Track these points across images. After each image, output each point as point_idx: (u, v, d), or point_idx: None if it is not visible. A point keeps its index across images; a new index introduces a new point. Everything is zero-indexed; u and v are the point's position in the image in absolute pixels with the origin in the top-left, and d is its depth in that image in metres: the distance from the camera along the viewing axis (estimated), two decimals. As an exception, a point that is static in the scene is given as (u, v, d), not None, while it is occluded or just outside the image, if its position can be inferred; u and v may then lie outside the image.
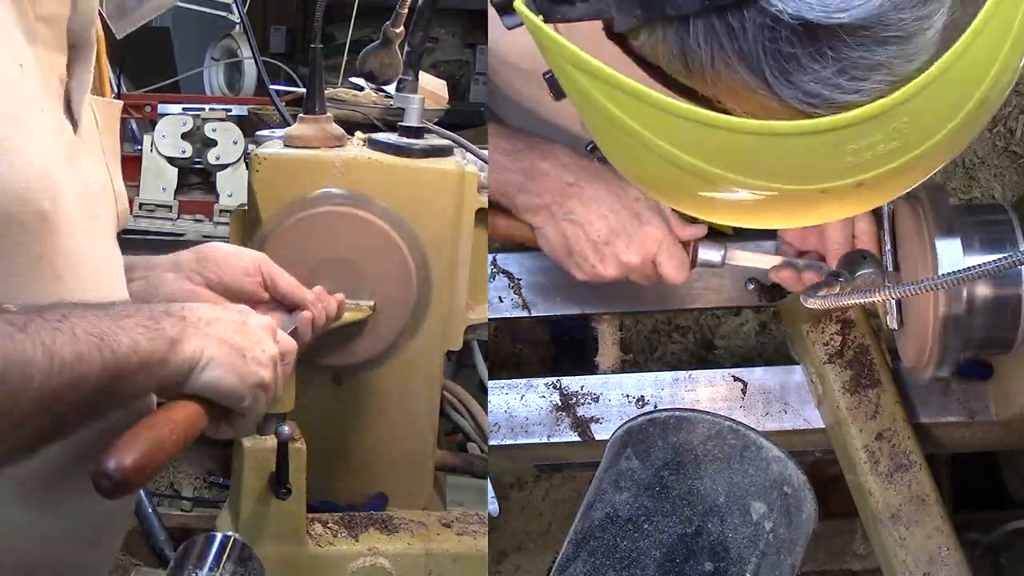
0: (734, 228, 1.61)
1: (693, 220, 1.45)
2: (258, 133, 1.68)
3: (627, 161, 0.95)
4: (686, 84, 0.88)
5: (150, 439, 0.94)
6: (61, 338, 0.89)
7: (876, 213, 1.43)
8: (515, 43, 1.32)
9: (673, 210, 1.47)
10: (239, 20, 3.79)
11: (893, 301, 1.41)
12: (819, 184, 0.87)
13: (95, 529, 1.13)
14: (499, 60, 1.45)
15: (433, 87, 1.88)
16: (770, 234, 1.55)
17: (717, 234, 1.51)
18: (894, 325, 1.42)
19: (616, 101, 0.87)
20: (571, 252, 1.44)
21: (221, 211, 3.24)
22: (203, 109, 3.40)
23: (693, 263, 1.47)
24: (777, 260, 1.47)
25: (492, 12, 0.95)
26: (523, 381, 1.62)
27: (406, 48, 1.53)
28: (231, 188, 3.25)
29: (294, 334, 1.23)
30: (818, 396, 1.54)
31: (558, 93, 0.99)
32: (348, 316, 1.46)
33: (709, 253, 1.47)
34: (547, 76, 1.05)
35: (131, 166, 3.37)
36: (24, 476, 0.96)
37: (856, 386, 1.50)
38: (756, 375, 1.60)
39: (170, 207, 3.32)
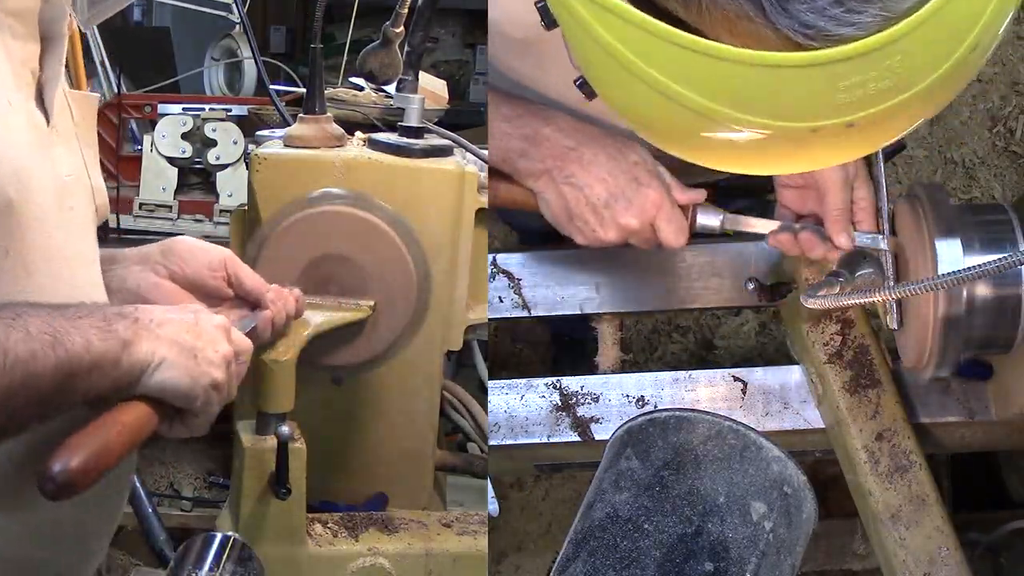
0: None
1: (692, 186, 1.45)
2: (258, 133, 1.68)
3: (617, 93, 0.94)
4: (679, 16, 0.87)
5: (97, 442, 0.95)
6: (15, 335, 0.90)
7: (876, 213, 1.43)
8: (510, 14, 1.33)
9: (672, 175, 1.47)
10: (239, 20, 3.80)
11: (893, 301, 1.41)
12: (810, 122, 0.87)
13: (59, 527, 1.13)
14: (497, 34, 1.45)
15: (433, 87, 1.88)
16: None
17: (715, 202, 1.51)
18: (894, 325, 1.42)
19: (610, 27, 0.86)
20: (572, 216, 1.44)
21: (221, 211, 3.25)
22: (203, 109, 3.40)
23: (692, 228, 1.46)
24: (775, 224, 1.46)
25: None
26: (523, 381, 1.62)
27: (406, 48, 1.53)
28: (231, 188, 3.25)
29: (252, 332, 1.23)
30: (818, 396, 1.54)
31: (549, 22, 0.98)
32: (348, 316, 1.46)
33: (708, 218, 1.47)
34: (539, 4, 1.05)
35: (131, 166, 3.37)
36: None
37: (856, 386, 1.50)
38: (756, 375, 1.60)
39: (170, 207, 3.32)
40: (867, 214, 1.42)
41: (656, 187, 1.43)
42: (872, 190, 1.43)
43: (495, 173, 1.48)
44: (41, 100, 1.06)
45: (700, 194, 1.46)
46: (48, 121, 1.06)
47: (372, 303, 1.49)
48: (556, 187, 1.43)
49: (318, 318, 1.43)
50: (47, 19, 1.05)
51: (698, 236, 1.50)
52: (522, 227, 2.12)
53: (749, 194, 2.41)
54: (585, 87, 1.01)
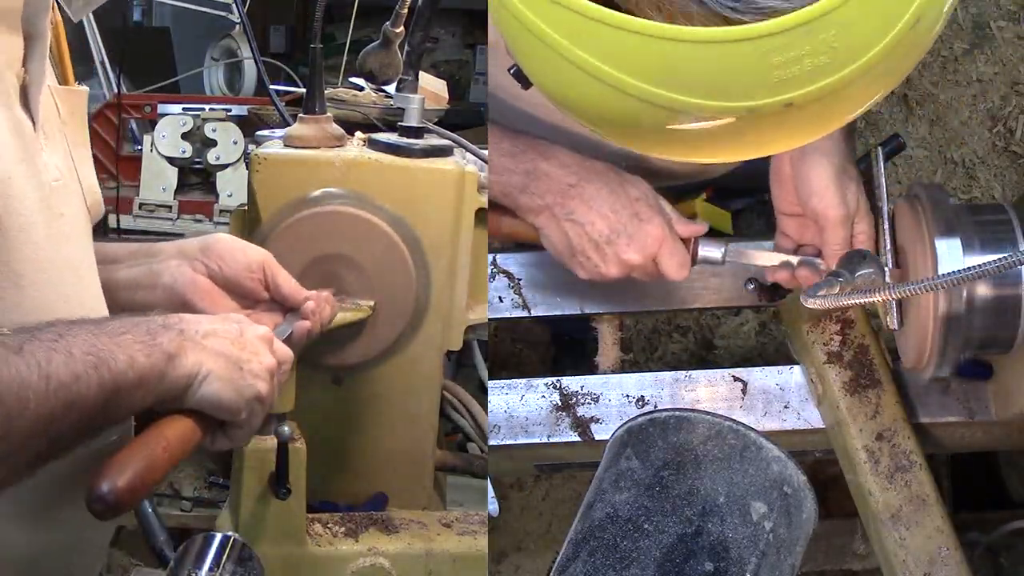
0: (732, 229, 1.62)
1: (693, 217, 1.46)
2: (258, 133, 1.68)
3: (550, 79, 0.93)
4: None
5: (143, 459, 0.93)
6: (57, 358, 0.88)
7: (876, 213, 1.43)
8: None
9: (674, 207, 1.47)
10: (239, 20, 3.80)
11: (893, 301, 1.41)
12: (746, 102, 0.84)
13: (86, 540, 1.13)
14: (497, 61, 1.45)
15: (433, 87, 1.88)
16: (770, 233, 1.55)
17: (717, 234, 1.51)
18: (894, 325, 1.42)
19: (538, 10, 0.85)
20: (574, 252, 1.45)
21: (221, 211, 3.25)
22: (203, 109, 3.40)
23: (694, 260, 1.47)
24: (776, 259, 1.47)
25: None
26: (523, 381, 1.62)
27: (406, 48, 1.53)
28: (231, 188, 3.26)
29: (288, 340, 1.23)
30: (818, 396, 1.54)
31: (525, 84, 0.97)
32: (348, 316, 1.46)
33: (710, 250, 1.47)
34: (511, 70, 1.04)
35: (131, 166, 3.38)
36: (17, 492, 0.94)
37: (856, 386, 1.50)
38: (756, 375, 1.60)
39: (170, 207, 3.32)
40: (868, 248, 1.42)
41: (658, 223, 1.43)
42: (871, 222, 1.43)
43: (497, 207, 1.48)
44: (26, 103, 1.02)
45: (702, 227, 1.47)
46: (35, 125, 1.03)
47: (372, 303, 1.49)
48: (558, 223, 1.44)
49: None
50: (28, 16, 1.01)
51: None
52: None
53: (748, 194, 2.42)
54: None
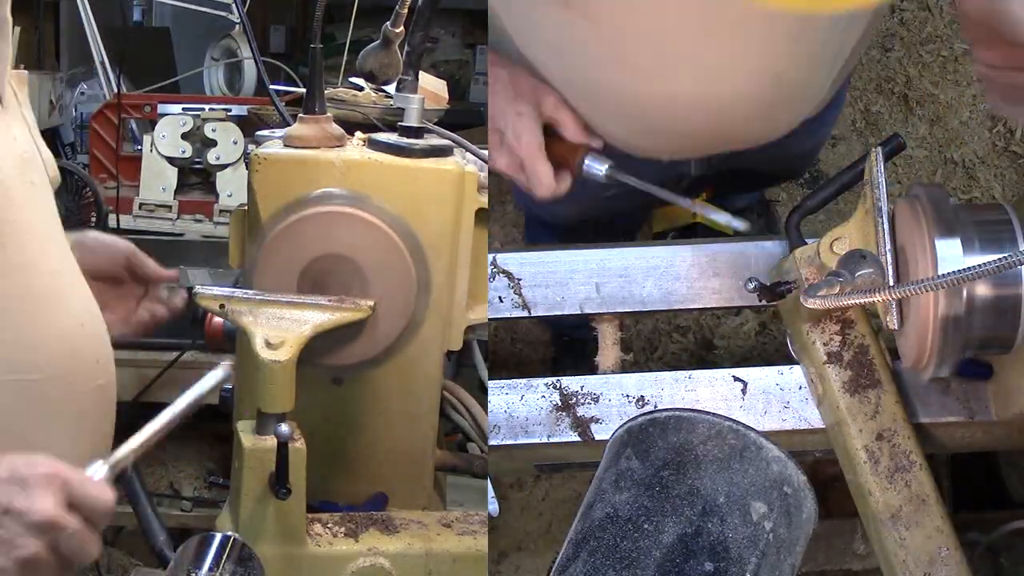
0: (735, 230, 1.62)
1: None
2: (258, 133, 1.67)
3: None
4: None
5: None
6: None
7: (876, 214, 1.43)
8: None
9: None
10: (239, 20, 3.80)
11: (893, 301, 1.41)
12: None
13: None
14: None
15: (433, 87, 1.87)
16: (770, 232, 1.55)
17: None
18: (894, 325, 1.42)
19: None
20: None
21: (221, 211, 3.25)
22: (203, 109, 3.40)
23: (577, 172, 1.56)
24: (662, 194, 1.57)
25: None
26: (523, 381, 1.62)
27: (406, 48, 1.53)
28: (231, 188, 3.26)
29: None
30: (818, 396, 1.54)
31: None
32: (348, 316, 1.46)
33: (594, 165, 1.56)
34: None
35: (131, 166, 3.38)
36: None
37: (856, 386, 1.50)
38: (756, 375, 1.60)
39: (170, 207, 3.32)
40: None
41: (532, 129, 1.53)
42: None
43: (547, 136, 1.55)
44: None
45: (595, 142, 1.57)
46: (2, 101, 1.11)
47: (372, 303, 1.49)
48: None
49: (318, 318, 1.43)
50: None
51: (700, 235, 1.51)
52: (551, 216, 2.14)
53: (748, 190, 2.42)
54: None
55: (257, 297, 1.41)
